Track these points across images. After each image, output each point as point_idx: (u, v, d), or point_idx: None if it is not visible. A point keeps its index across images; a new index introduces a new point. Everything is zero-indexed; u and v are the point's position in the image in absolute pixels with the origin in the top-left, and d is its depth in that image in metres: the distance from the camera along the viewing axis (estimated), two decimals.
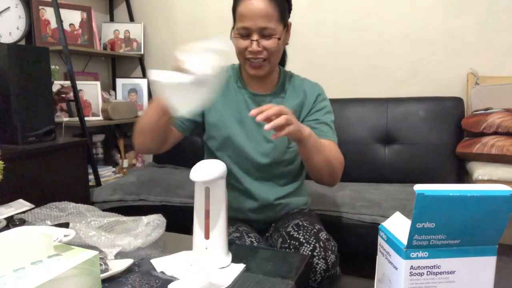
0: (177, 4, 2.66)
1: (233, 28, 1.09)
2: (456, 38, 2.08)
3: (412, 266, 0.46)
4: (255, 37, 1.03)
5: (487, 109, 1.83)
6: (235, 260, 0.82)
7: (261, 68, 1.08)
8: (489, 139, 1.72)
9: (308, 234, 1.02)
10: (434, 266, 0.46)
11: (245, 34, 1.04)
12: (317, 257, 0.97)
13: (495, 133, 1.73)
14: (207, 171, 0.77)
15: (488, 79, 1.98)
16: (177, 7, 2.66)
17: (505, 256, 1.59)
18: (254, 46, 1.03)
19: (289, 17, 1.12)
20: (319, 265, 0.97)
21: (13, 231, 0.61)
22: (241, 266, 0.79)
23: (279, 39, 1.06)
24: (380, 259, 0.52)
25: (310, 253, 0.97)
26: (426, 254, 0.46)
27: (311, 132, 0.99)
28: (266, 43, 1.04)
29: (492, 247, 0.47)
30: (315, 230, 1.03)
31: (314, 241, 0.99)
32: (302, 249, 0.98)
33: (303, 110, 1.18)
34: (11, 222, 0.96)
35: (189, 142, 2.43)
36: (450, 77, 2.11)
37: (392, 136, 2.02)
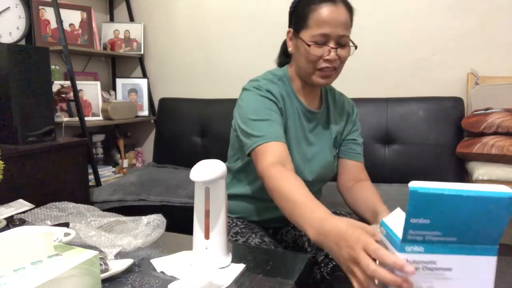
0: (177, 4, 2.66)
1: (295, 32, 1.04)
2: (456, 38, 2.08)
3: (407, 260, 0.46)
4: (332, 44, 0.99)
5: (487, 109, 1.83)
6: (235, 260, 0.82)
7: (330, 77, 1.05)
8: (489, 139, 1.72)
9: None
10: (430, 261, 0.46)
11: (322, 42, 0.99)
12: None
13: (495, 133, 1.73)
14: (207, 171, 0.76)
15: (488, 79, 1.98)
16: (177, 7, 2.66)
17: (505, 256, 1.59)
18: (333, 54, 0.99)
19: None
20: None
21: (13, 231, 0.61)
22: (241, 266, 0.79)
23: (355, 47, 1.04)
24: None
25: None
26: (421, 249, 0.46)
27: None
28: (342, 52, 1.01)
29: (491, 247, 0.46)
30: None
31: None
32: None
33: (346, 128, 1.20)
34: (11, 222, 0.96)
35: (189, 143, 2.43)
36: (450, 77, 2.11)
37: (392, 136, 2.02)
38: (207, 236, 0.79)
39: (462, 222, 0.44)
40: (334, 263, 0.99)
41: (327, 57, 1.00)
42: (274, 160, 0.92)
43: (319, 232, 0.71)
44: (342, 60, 1.03)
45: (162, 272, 0.77)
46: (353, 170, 1.17)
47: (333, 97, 1.21)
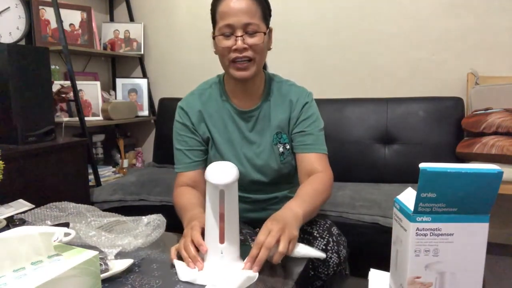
0: (177, 5, 2.66)
1: (213, 32, 1.05)
2: (456, 38, 2.08)
3: (417, 228, 0.55)
4: (239, 33, 0.99)
5: (487, 109, 1.83)
6: None
7: (247, 69, 1.03)
8: (489, 139, 1.72)
9: (321, 228, 1.02)
10: (436, 229, 0.55)
11: (229, 33, 1.00)
12: (330, 251, 0.98)
13: (495, 133, 1.73)
14: (225, 174, 0.74)
15: (488, 79, 1.98)
16: (177, 8, 2.66)
17: (506, 256, 1.59)
18: (240, 43, 0.99)
19: (269, 21, 1.08)
20: (332, 259, 0.98)
21: (13, 231, 0.61)
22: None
23: (264, 34, 1.01)
24: (394, 225, 0.62)
25: (324, 247, 0.98)
26: (429, 219, 0.55)
27: (301, 212, 0.90)
28: (251, 40, 1.00)
29: (484, 216, 0.55)
30: (328, 225, 1.04)
31: (328, 235, 1.00)
32: (316, 243, 0.99)
33: (290, 123, 1.14)
34: (11, 222, 0.96)
35: None
36: (450, 77, 2.11)
37: (392, 136, 2.02)
38: (222, 241, 0.77)
39: (461, 194, 0.53)
40: (313, 273, 1.00)
41: (235, 47, 1.00)
42: (181, 185, 1.10)
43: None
44: (255, 49, 1.01)
45: (187, 282, 0.74)
46: (304, 164, 1.10)
47: (279, 90, 1.14)
